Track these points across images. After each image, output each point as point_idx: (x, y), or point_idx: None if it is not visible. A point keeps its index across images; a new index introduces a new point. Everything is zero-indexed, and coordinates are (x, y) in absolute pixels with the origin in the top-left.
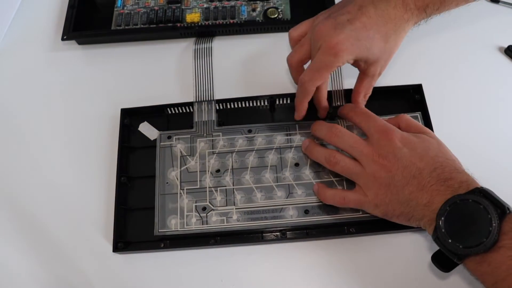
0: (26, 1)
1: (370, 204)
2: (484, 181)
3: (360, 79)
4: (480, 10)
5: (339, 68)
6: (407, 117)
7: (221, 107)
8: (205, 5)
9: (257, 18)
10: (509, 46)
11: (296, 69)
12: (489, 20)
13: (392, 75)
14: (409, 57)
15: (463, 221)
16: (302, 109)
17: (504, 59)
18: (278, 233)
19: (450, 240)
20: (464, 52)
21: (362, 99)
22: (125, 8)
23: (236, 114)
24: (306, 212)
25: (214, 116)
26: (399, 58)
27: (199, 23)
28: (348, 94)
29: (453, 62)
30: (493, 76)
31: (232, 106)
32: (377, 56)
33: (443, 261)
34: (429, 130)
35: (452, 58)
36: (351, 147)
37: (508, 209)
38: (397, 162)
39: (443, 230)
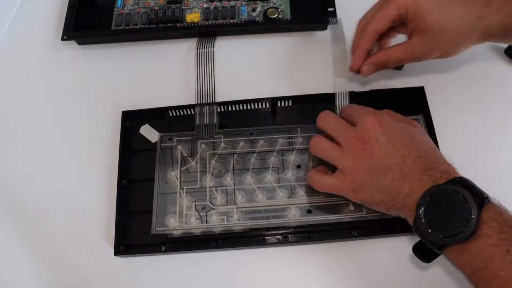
0: (26, 1)
1: (349, 190)
2: (487, 182)
3: (399, 45)
4: None
5: None
6: (391, 111)
7: (222, 110)
8: (205, 5)
9: (257, 18)
10: (509, 46)
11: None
12: None
13: (394, 77)
14: None
15: (443, 211)
16: (357, 56)
17: (504, 59)
18: (279, 237)
19: (430, 230)
20: (464, 52)
21: (378, 60)
22: (125, 8)
23: (238, 116)
24: (309, 212)
25: (215, 119)
26: None
27: (199, 23)
28: (352, 97)
29: (453, 62)
30: (493, 76)
31: (234, 108)
32: (430, 28)
33: (424, 252)
34: (413, 121)
35: (451, 58)
36: (334, 130)
37: (487, 198)
38: (379, 148)
39: (423, 220)
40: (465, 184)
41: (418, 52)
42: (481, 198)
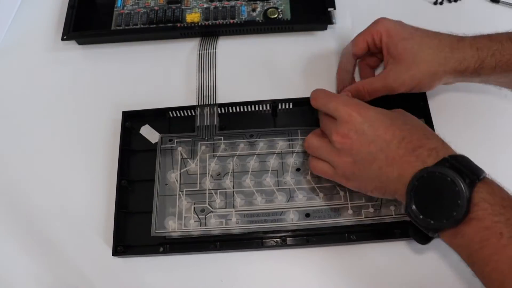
0: (26, 1)
1: (341, 179)
2: None
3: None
4: (480, 10)
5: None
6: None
7: (223, 111)
8: (205, 5)
9: (257, 18)
10: None
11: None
12: (489, 20)
13: None
14: None
15: (432, 195)
16: (338, 77)
17: None
18: (278, 239)
19: (421, 216)
20: None
21: (354, 89)
22: (125, 8)
23: (238, 118)
24: (307, 215)
25: (216, 121)
26: None
27: (199, 23)
28: None
29: None
30: None
31: (234, 110)
32: (402, 56)
33: (420, 234)
34: (399, 109)
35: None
36: (322, 125)
37: (478, 177)
38: (360, 138)
39: (413, 206)
40: (454, 165)
41: (390, 81)
42: (471, 179)
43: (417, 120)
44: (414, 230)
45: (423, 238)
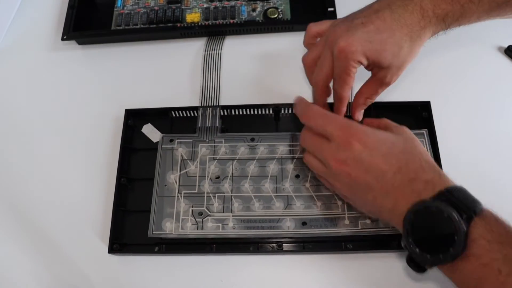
0: (26, 1)
1: (340, 195)
2: (490, 198)
3: (368, 82)
4: None
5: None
6: (388, 122)
7: (225, 113)
8: (205, 5)
9: (257, 18)
10: (509, 46)
11: (310, 68)
12: (489, 20)
13: (399, 91)
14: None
15: (429, 229)
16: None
17: (504, 59)
18: (274, 245)
19: (417, 250)
20: (464, 52)
21: (362, 103)
22: (125, 8)
23: (240, 121)
24: (304, 224)
25: (218, 122)
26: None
27: (199, 23)
28: None
29: (452, 62)
30: (493, 77)
31: (237, 113)
32: (389, 61)
33: (417, 263)
34: (403, 127)
35: (451, 59)
36: (314, 151)
37: (474, 212)
38: (357, 166)
39: (410, 240)
40: (450, 199)
41: (389, 80)
42: (468, 214)
43: (417, 146)
44: (411, 259)
45: (420, 268)
